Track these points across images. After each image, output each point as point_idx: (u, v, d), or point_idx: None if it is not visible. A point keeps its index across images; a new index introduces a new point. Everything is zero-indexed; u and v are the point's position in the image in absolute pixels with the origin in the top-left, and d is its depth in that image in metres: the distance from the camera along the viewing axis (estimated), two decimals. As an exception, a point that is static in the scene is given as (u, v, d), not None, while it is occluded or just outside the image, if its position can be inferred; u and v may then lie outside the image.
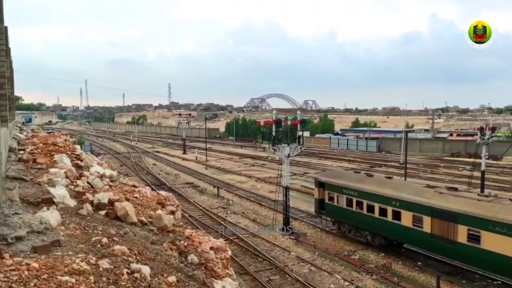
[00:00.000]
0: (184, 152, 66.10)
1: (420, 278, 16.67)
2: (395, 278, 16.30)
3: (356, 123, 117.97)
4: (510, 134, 78.47)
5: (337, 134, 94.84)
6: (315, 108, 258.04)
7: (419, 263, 18.12)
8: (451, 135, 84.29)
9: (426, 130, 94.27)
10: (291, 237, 22.06)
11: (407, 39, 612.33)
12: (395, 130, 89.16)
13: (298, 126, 24.03)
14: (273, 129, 23.25)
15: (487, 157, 34.01)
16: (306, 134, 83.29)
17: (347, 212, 21.05)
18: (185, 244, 6.97)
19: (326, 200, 22.54)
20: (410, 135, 75.14)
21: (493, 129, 33.83)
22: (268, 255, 19.23)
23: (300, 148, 24.10)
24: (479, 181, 30.72)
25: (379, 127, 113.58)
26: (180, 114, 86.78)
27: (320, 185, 23.33)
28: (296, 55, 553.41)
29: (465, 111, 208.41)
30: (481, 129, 32.27)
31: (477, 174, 31.31)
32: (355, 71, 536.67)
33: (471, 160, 38.32)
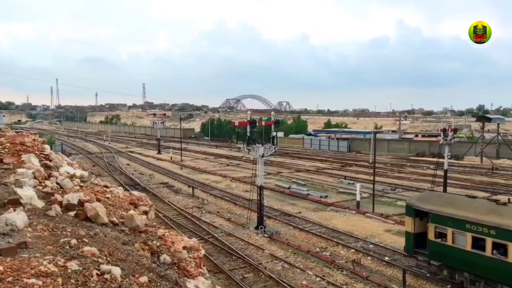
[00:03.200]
0: (159, 152, 65.19)
1: (387, 272, 17.00)
2: (364, 273, 16.55)
3: (328, 124, 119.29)
4: (471, 135, 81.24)
5: (310, 134, 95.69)
6: (289, 109, 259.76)
7: (386, 258, 18.46)
8: (417, 136, 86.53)
9: (393, 131, 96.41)
10: (265, 235, 22.08)
11: (376, 43, 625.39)
12: (365, 131, 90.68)
13: (272, 126, 24.09)
14: (248, 130, 23.22)
15: (449, 156, 35.05)
16: (280, 134, 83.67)
17: (472, 257, 14.44)
18: (158, 244, 6.83)
19: (431, 237, 15.65)
20: (378, 136, 76.66)
21: (455, 131, 34.83)
22: (242, 253, 19.18)
23: (274, 148, 24.16)
24: (442, 180, 31.58)
25: (349, 128, 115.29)
26: (154, 114, 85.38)
27: (418, 214, 16.50)
28: (271, 57, 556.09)
29: (429, 113, 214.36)
30: (444, 131, 33.18)
31: (440, 173, 32.20)
32: (327, 74, 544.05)
33: (435, 159, 39.39)
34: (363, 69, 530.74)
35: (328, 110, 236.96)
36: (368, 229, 23.15)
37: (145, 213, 10.38)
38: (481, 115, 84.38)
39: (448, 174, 32.62)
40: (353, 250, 19.62)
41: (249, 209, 24.26)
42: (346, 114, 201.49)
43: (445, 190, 31.15)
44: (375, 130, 68.90)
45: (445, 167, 31.77)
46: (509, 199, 15.61)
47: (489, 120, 71.27)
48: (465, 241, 14.57)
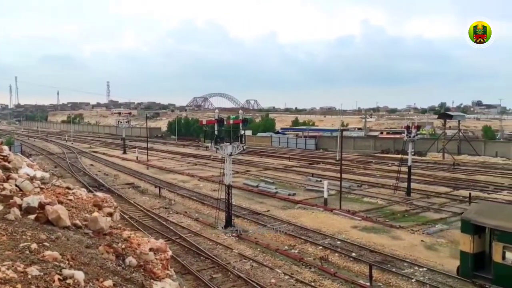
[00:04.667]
0: (124, 152, 63.84)
1: (354, 268, 17.42)
2: (332, 270, 16.89)
3: (295, 122, 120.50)
4: (433, 132, 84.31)
5: (278, 132, 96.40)
6: (257, 107, 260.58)
7: (353, 254, 18.92)
8: (382, 133, 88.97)
9: (359, 129, 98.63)
10: (234, 234, 22.10)
11: (342, 42, 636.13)
12: (332, 128, 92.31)
13: (240, 125, 24.11)
14: (216, 128, 23.14)
15: (413, 153, 36.25)
16: (248, 132, 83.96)
17: None
18: (123, 246, 6.72)
19: (497, 259, 13.28)
20: (345, 133, 78.18)
21: (418, 128, 36.05)
22: (211, 253, 19.13)
23: (242, 146, 24.20)
24: (406, 176, 32.63)
25: (317, 126, 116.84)
26: (119, 113, 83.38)
27: (477, 230, 14.20)
28: (239, 55, 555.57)
29: (393, 111, 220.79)
30: (408, 128, 34.28)
31: (404, 169, 33.28)
32: (295, 72, 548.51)
33: (399, 156, 40.65)
34: (330, 67, 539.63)
35: (296, 108, 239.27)
36: (335, 225, 23.62)
37: (110, 214, 10.17)
38: (443, 113, 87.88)
39: (412, 170, 33.75)
40: (321, 247, 19.97)
41: (217, 209, 24.22)
42: (314, 112, 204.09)
43: (409, 186, 32.26)
44: (341, 128, 70.23)
45: (409, 163, 32.85)
46: None
47: (450, 117, 74.34)
48: None
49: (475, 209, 14.95)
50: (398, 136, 63.17)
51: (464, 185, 36.43)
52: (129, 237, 7.86)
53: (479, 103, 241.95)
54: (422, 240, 20.83)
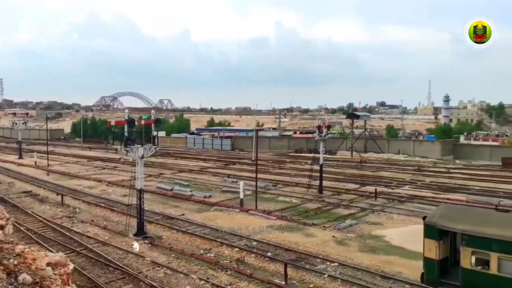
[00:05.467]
0: (20, 157, 58.47)
1: (270, 268, 17.82)
2: (248, 271, 17.10)
3: (211, 123, 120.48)
4: (342, 132, 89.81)
5: (193, 133, 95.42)
6: (171, 107, 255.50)
7: (269, 253, 19.37)
8: (295, 133, 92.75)
9: (274, 129, 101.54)
10: (146, 241, 21.35)
11: (256, 43, 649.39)
12: (247, 129, 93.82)
13: (153, 125, 23.35)
14: (126, 129, 22.14)
15: (324, 152, 38.19)
16: (162, 134, 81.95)
17: None
18: (16, 262, 6.12)
19: (466, 265, 12.92)
20: (260, 133, 79.93)
21: (328, 127, 38.07)
22: (121, 263, 18.25)
23: (155, 148, 23.45)
24: (318, 174, 34.26)
25: (233, 126, 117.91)
26: (14, 114, 76.18)
27: (442, 235, 13.72)
28: (151, 53, 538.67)
29: (306, 111, 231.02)
30: (319, 128, 36.03)
31: (316, 167, 34.93)
32: (210, 71, 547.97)
33: (312, 155, 42.59)
34: (245, 67, 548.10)
35: (211, 108, 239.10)
36: (251, 226, 23.95)
37: (1, 227, 9.18)
38: (351, 113, 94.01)
39: (324, 169, 35.55)
40: (237, 249, 20.11)
41: (128, 215, 23.21)
42: (229, 112, 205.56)
43: (321, 184, 33.93)
44: (257, 128, 71.66)
45: (321, 161, 34.56)
46: None
47: (358, 117, 79.89)
48: None
49: (439, 213, 14.22)
50: (310, 135, 66.25)
51: (370, 181, 39.30)
52: (22, 251, 7.16)
53: (383, 104, 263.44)
54: (333, 236, 22.01)
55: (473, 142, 79.35)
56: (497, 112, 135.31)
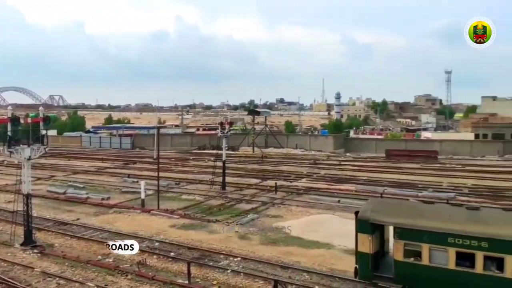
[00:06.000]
0: None
1: (173, 268, 17.47)
2: (150, 273, 16.57)
3: (109, 120, 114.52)
4: (244, 128, 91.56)
5: (89, 132, 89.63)
6: (63, 104, 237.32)
7: (172, 254, 18.99)
8: (198, 130, 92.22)
9: (176, 126, 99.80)
10: (35, 251, 19.50)
11: (156, 37, 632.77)
12: (149, 126, 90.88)
13: (41, 124, 21.30)
14: (9, 128, 19.92)
15: (227, 148, 38.59)
16: (53, 132, 75.45)
17: (457, 277, 12.22)
18: None
19: (399, 257, 13.07)
20: (162, 130, 78.05)
21: (231, 124, 38.55)
22: (6, 276, 16.42)
23: (44, 148, 21.44)
24: (221, 170, 34.49)
25: (133, 123, 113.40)
26: None
27: (375, 229, 13.75)
28: (38, 44, 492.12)
29: (209, 107, 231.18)
30: (222, 124, 36.30)
31: (220, 164, 35.13)
32: (107, 66, 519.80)
33: (215, 151, 42.76)
34: (146, 62, 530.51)
35: (109, 105, 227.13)
36: (153, 227, 23.28)
37: None
38: (252, 109, 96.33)
39: (226, 165, 35.89)
40: (138, 251, 19.36)
41: (13, 223, 20.96)
42: (129, 109, 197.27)
43: (224, 180, 34.18)
44: (158, 125, 69.78)
45: (224, 158, 34.82)
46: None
47: (258, 113, 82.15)
48: (446, 259, 12.29)
49: (371, 208, 14.22)
50: (213, 132, 66.45)
51: (271, 175, 40.69)
52: None
53: (282, 101, 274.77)
54: (236, 231, 22.32)
55: (361, 136, 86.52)
56: (381, 108, 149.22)
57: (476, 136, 68.24)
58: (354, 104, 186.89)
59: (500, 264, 11.58)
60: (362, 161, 53.32)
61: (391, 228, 13.71)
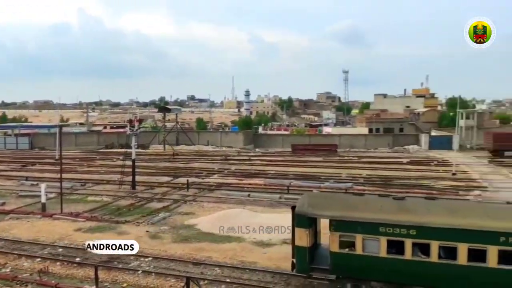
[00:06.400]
0: None
1: (79, 274, 16.39)
2: (53, 281, 15.37)
3: (3, 118, 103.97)
4: (154, 125, 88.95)
5: (-23, 131, 79.97)
6: None
7: (78, 259, 17.80)
8: (105, 128, 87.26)
9: (81, 124, 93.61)
10: None
11: (57, 30, 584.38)
12: (49, 124, 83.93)
13: None
14: None
15: (136, 146, 37.15)
16: None
17: (388, 264, 12.66)
18: None
19: (334, 249, 13.28)
20: (65, 129, 72.69)
21: (140, 121, 37.27)
22: None
23: None
24: (131, 169, 33.11)
25: (31, 122, 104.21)
26: None
27: (311, 223, 13.90)
28: None
29: (117, 104, 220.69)
30: (131, 122, 34.88)
31: (129, 163, 33.68)
32: (2, 60, 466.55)
33: (124, 150, 40.94)
34: (46, 56, 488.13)
35: (3, 102, 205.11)
36: (56, 232, 21.61)
37: None
38: (162, 106, 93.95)
39: (136, 163, 34.55)
40: (39, 259, 17.83)
41: None
42: (26, 107, 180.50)
43: (134, 179, 32.87)
44: (61, 124, 64.76)
45: (133, 156, 33.46)
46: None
47: (169, 110, 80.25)
48: (378, 247, 12.73)
49: (307, 202, 14.23)
50: (122, 130, 63.47)
51: (183, 173, 40.10)
52: None
53: (192, 98, 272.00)
54: (147, 231, 21.65)
55: (269, 132, 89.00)
56: (287, 105, 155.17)
57: (370, 130, 74.29)
58: (262, 101, 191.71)
59: (426, 250, 12.26)
60: (270, 156, 54.98)
61: (323, 221, 14.04)
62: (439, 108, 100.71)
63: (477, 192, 30.23)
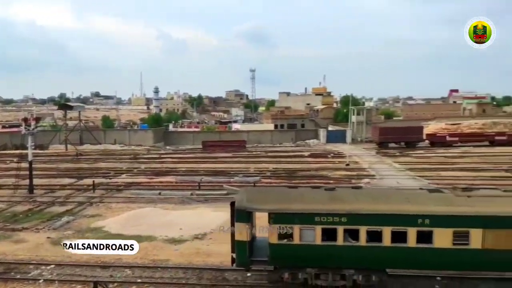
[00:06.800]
0: None
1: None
2: None
3: None
4: (54, 124, 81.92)
5: None
6: None
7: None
8: (-3, 127, 78.07)
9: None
10: None
11: None
12: None
13: None
14: None
15: (33, 147, 33.92)
16: None
17: (323, 250, 13.27)
18: None
19: (273, 240, 13.46)
20: None
21: (37, 120, 34.12)
22: None
23: None
24: (27, 172, 30.18)
25: None
26: None
27: (250, 218, 13.91)
28: None
29: (9, 102, 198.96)
30: (26, 120, 31.79)
31: (26, 165, 30.68)
32: None
33: (18, 151, 37.10)
34: None
35: None
36: None
37: None
38: (63, 103, 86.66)
39: (34, 165, 31.56)
40: None
41: None
42: None
43: (31, 182, 30.01)
44: None
45: (30, 158, 30.49)
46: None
47: (71, 108, 74.39)
48: (314, 236, 13.27)
49: (246, 198, 14.34)
50: (15, 129, 57.45)
51: (88, 173, 37.61)
52: None
53: (97, 94, 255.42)
54: (48, 237, 19.93)
55: (179, 129, 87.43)
56: (197, 102, 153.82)
57: (275, 126, 76.96)
58: (172, 98, 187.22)
59: (355, 235, 13.07)
60: (181, 153, 54.14)
61: (259, 214, 14.21)
62: (334, 105, 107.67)
63: (366, 180, 33.10)
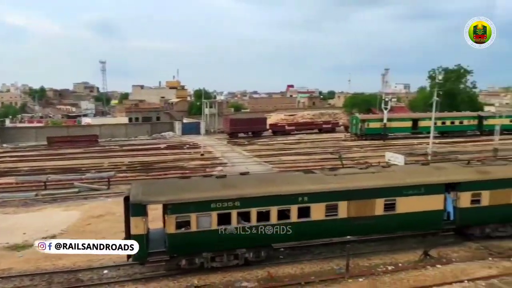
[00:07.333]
0: None
1: None
2: None
3: None
4: None
5: None
6: None
7: None
8: None
9: None
10: None
11: None
12: None
13: None
14: None
15: None
16: None
17: (218, 235, 13.67)
18: None
19: (171, 230, 13.45)
20: None
21: None
22: None
23: None
24: None
25: None
26: None
27: (146, 211, 13.48)
28: None
29: None
30: None
31: None
32: None
33: None
34: None
35: None
36: None
37: None
38: None
39: None
40: None
41: None
42: None
43: None
44: None
45: None
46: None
47: None
48: (210, 221, 13.67)
49: (141, 191, 13.89)
50: None
51: None
52: None
53: None
54: None
55: (19, 125, 76.39)
56: (39, 95, 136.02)
57: (130, 119, 73.70)
58: (8, 90, 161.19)
59: (247, 217, 14.03)
60: (22, 151, 47.65)
61: (153, 206, 14.13)
62: (188, 98, 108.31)
63: (220, 168, 34.80)
